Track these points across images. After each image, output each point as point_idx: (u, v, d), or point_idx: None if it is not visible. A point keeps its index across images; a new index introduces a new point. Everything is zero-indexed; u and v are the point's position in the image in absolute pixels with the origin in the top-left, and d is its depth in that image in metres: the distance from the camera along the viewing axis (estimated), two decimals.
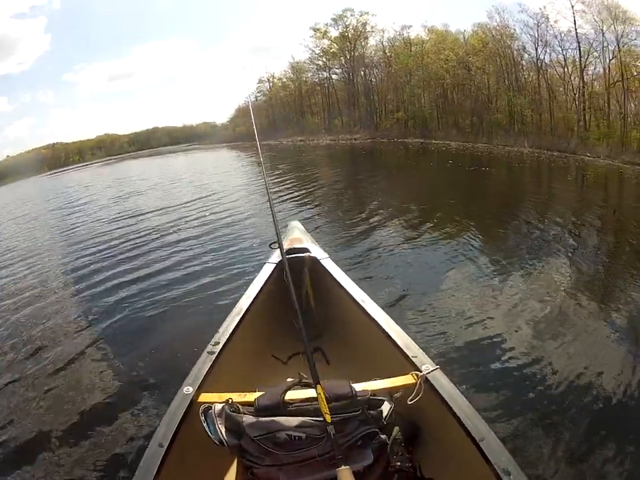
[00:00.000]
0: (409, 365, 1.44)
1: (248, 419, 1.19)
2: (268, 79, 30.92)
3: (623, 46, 16.07)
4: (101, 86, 50.86)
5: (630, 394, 2.31)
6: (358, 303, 1.82)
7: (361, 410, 1.21)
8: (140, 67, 51.32)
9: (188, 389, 1.36)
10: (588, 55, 17.31)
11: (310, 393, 1.23)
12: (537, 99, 19.14)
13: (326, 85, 28.64)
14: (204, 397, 1.35)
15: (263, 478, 1.23)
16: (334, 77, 28.23)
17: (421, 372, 1.35)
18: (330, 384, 1.20)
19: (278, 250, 1.97)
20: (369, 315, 1.73)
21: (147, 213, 8.62)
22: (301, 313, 1.34)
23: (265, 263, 2.16)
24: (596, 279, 4.02)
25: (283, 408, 1.20)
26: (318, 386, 1.17)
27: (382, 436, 1.29)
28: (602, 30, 16.52)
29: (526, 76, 20.03)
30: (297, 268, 2.06)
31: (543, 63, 19.15)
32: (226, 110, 54.96)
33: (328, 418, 1.13)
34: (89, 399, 2.60)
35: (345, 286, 1.96)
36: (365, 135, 25.01)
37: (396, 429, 1.42)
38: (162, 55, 52.12)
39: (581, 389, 2.37)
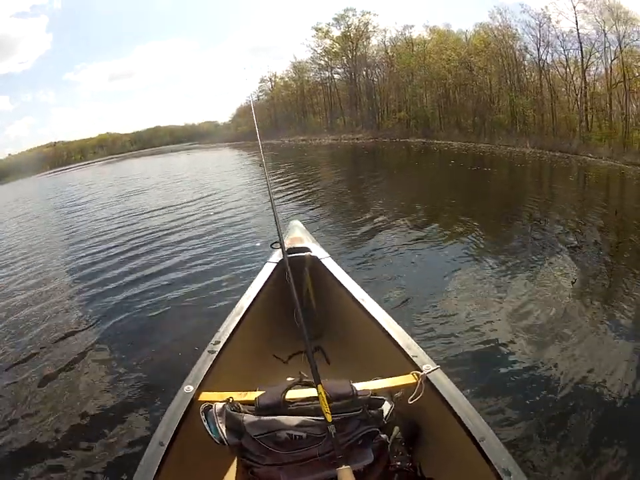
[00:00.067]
0: (409, 364, 1.43)
1: (248, 418, 1.19)
2: (270, 79, 31.02)
3: (625, 46, 16.03)
4: (101, 85, 51.25)
5: (635, 397, 2.29)
6: (358, 303, 1.82)
7: (361, 409, 1.21)
8: (140, 66, 51.63)
9: (188, 388, 1.36)
10: (590, 56, 17.27)
11: (311, 392, 1.23)
12: (539, 99, 19.09)
13: (328, 84, 28.65)
14: (204, 396, 1.35)
15: (263, 477, 1.22)
16: (336, 76, 28.30)
17: (421, 372, 1.35)
18: (331, 383, 1.20)
19: (279, 249, 1.97)
20: (370, 314, 1.73)
21: (149, 211, 8.63)
22: (301, 312, 1.34)
23: (265, 262, 2.16)
24: (599, 280, 3.99)
25: (284, 407, 1.20)
26: (319, 385, 1.17)
27: (382, 435, 1.28)
28: (604, 30, 16.50)
29: (528, 76, 20.00)
30: (297, 267, 2.06)
31: (545, 64, 19.13)
32: (228, 109, 55.25)
33: (329, 417, 1.13)
34: (90, 398, 2.60)
35: (345, 285, 1.96)
36: (367, 135, 25.01)
37: (396, 428, 1.42)
38: (162, 54, 52.19)
39: (585, 391, 2.34)
